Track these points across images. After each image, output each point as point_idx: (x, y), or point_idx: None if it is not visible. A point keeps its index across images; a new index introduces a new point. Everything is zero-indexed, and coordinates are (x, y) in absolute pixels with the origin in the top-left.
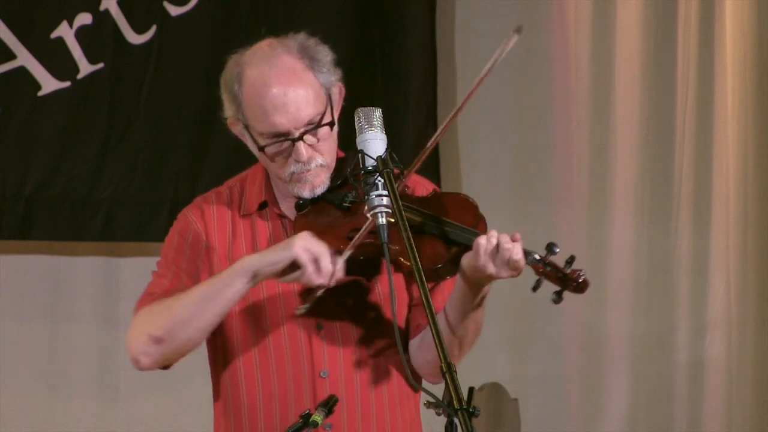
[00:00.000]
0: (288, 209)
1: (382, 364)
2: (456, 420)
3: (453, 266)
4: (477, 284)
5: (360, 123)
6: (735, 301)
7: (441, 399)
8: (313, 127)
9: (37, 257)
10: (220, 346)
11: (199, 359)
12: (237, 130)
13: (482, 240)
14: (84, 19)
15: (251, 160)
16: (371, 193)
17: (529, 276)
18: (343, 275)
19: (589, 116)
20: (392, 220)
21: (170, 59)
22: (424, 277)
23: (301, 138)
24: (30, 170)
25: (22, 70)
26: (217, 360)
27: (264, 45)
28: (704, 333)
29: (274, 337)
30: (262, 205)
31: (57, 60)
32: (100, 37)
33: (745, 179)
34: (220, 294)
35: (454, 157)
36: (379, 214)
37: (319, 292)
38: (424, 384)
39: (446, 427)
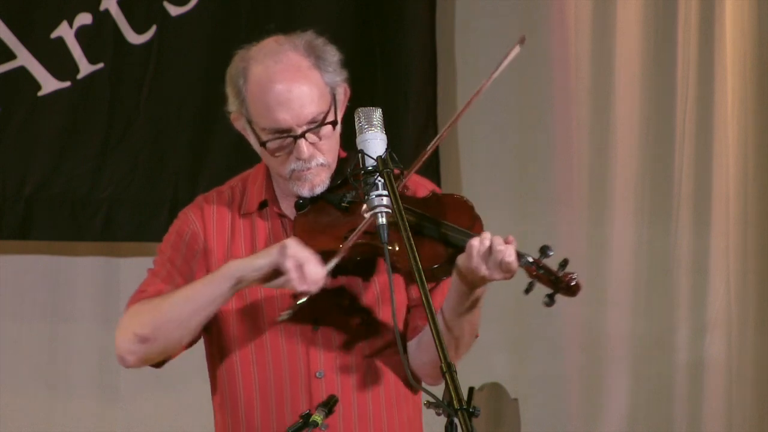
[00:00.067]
0: (288, 209)
1: (379, 365)
2: (456, 420)
3: (449, 267)
4: (471, 285)
5: (360, 123)
6: (735, 301)
7: (441, 399)
8: (316, 125)
9: (37, 257)
10: (217, 344)
11: (199, 359)
12: (240, 125)
13: (475, 241)
14: (84, 19)
15: (252, 160)
16: (371, 193)
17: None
18: (328, 282)
19: (589, 116)
20: (391, 220)
21: (170, 59)
22: (424, 277)
23: (303, 135)
24: (30, 170)
25: (22, 70)
26: (214, 356)
27: (271, 41)
28: (704, 333)
29: (270, 336)
30: (263, 205)
31: (57, 60)
32: (100, 37)
33: (745, 179)
34: (204, 297)
35: (454, 157)
36: (379, 214)
37: (304, 299)
38: (424, 384)
39: (446, 427)
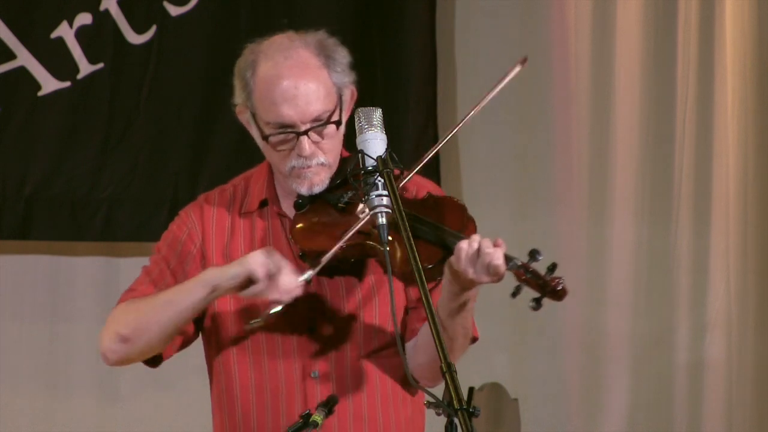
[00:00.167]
0: (288, 208)
1: (375, 366)
2: (456, 420)
3: (441, 268)
4: (462, 287)
5: (360, 123)
6: (735, 301)
7: (441, 399)
8: (320, 124)
9: (37, 257)
10: (215, 344)
11: (199, 359)
12: (244, 118)
13: (463, 244)
14: (84, 19)
15: (252, 160)
16: (371, 193)
17: None
18: (301, 292)
19: (589, 116)
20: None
21: (170, 59)
22: (424, 277)
23: (306, 133)
24: (30, 170)
25: (22, 70)
26: (212, 356)
27: (283, 37)
28: (704, 333)
29: (267, 337)
30: (263, 204)
31: (57, 60)
32: (100, 37)
33: (745, 179)
34: (181, 302)
35: (454, 157)
36: (379, 214)
37: (276, 308)
38: (423, 384)
39: (446, 427)
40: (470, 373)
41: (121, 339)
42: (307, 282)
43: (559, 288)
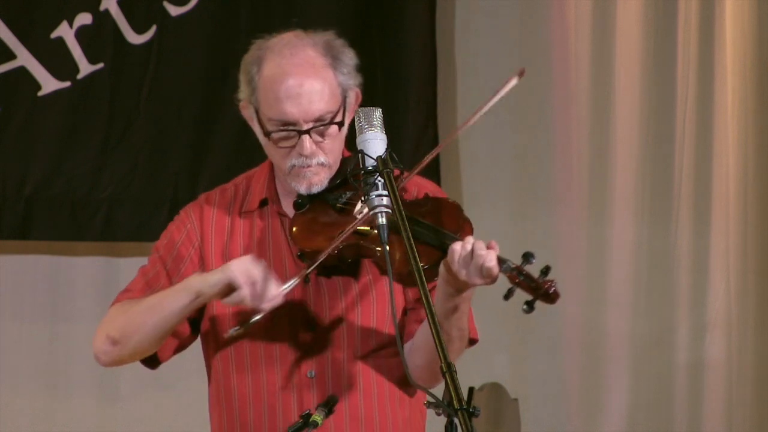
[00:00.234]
0: (288, 207)
1: (371, 367)
2: (456, 420)
3: (436, 269)
4: (456, 289)
5: (360, 123)
6: (735, 301)
7: (441, 399)
8: (322, 124)
9: (37, 257)
10: (213, 344)
11: (199, 360)
12: (247, 113)
13: (457, 246)
14: (84, 19)
15: (252, 160)
16: (371, 193)
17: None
18: (281, 301)
19: (589, 116)
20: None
21: (170, 59)
22: (424, 277)
23: (308, 132)
24: (30, 170)
25: (22, 70)
26: (210, 356)
27: (291, 35)
28: (704, 333)
29: (264, 336)
30: (263, 203)
31: (57, 60)
32: (100, 37)
33: (745, 179)
34: (167, 308)
35: (454, 157)
36: (379, 214)
37: (257, 316)
38: (422, 384)
39: (446, 427)
40: (470, 373)
41: (112, 341)
42: (306, 282)
43: (551, 291)
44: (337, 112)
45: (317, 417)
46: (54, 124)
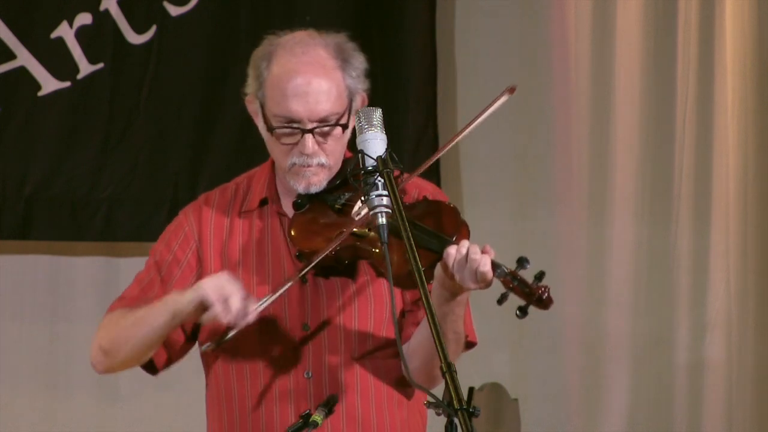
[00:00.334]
0: (288, 207)
1: (369, 368)
2: (456, 420)
3: (431, 272)
4: (451, 293)
5: (360, 123)
6: (735, 301)
7: (441, 399)
8: (326, 124)
9: (37, 257)
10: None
11: (199, 360)
12: (252, 108)
13: (452, 249)
14: (84, 19)
15: (252, 160)
16: (371, 193)
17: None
18: (254, 318)
19: (589, 116)
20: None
21: (170, 59)
22: (424, 277)
23: (311, 131)
24: (30, 170)
25: (22, 70)
26: (208, 355)
27: (304, 33)
28: (704, 333)
29: (262, 337)
30: (263, 202)
31: (57, 60)
32: (100, 37)
33: (745, 179)
34: (151, 323)
35: (454, 158)
36: (379, 214)
37: (231, 333)
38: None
39: (446, 427)
40: (470, 373)
41: (103, 352)
42: (303, 282)
43: (545, 297)
44: (343, 114)
45: (317, 417)
46: (54, 124)
